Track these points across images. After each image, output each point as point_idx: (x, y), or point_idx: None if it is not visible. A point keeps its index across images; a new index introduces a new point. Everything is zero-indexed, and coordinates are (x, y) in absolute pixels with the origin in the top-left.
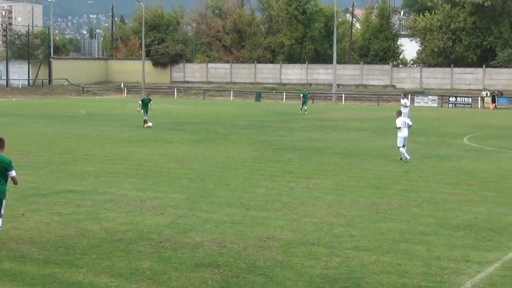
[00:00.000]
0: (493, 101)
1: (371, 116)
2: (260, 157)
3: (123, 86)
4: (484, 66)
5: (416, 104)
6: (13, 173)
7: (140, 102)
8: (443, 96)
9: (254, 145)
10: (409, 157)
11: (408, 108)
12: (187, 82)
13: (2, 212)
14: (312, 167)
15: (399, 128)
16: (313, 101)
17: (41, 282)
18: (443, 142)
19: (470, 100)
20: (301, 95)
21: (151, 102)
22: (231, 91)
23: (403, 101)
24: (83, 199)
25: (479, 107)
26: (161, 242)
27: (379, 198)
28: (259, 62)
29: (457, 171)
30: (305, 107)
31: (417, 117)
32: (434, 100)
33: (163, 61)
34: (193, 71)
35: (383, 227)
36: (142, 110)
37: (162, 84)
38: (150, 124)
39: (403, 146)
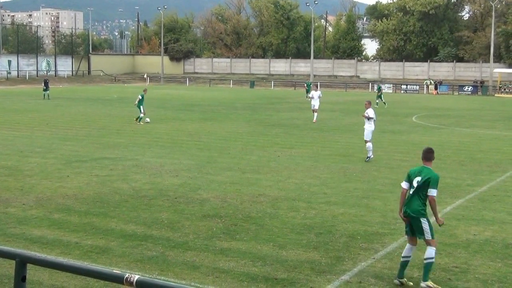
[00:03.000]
0: (436, 88)
1: (340, 100)
2: (253, 131)
3: (146, 76)
4: (428, 61)
5: (375, 90)
6: (433, 192)
7: (140, 97)
8: (396, 84)
9: (249, 122)
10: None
11: None
12: (197, 73)
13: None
14: (294, 140)
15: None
16: (294, 88)
17: (82, 229)
18: (397, 120)
19: (417, 87)
20: (305, 84)
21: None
22: (231, 80)
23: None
24: (115, 164)
25: (425, 93)
26: (176, 198)
27: (347, 163)
28: (253, 57)
29: (407, 143)
30: (309, 94)
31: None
32: (390, 87)
33: (178, 56)
34: (201, 64)
35: (349, 186)
36: (138, 106)
37: (177, 74)
38: (147, 119)
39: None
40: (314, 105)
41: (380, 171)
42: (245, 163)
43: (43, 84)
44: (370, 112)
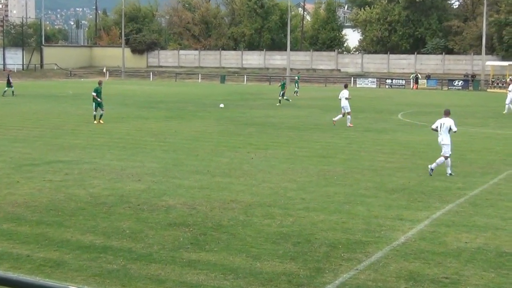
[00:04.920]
0: (416, 81)
1: (319, 95)
2: (224, 131)
3: (105, 70)
4: (415, 53)
5: (357, 86)
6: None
7: (94, 93)
8: (380, 78)
9: (219, 120)
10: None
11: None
12: (161, 66)
13: None
14: (269, 140)
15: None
16: (269, 83)
17: (34, 240)
18: (381, 118)
19: (403, 82)
20: (296, 78)
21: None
22: (199, 74)
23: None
24: (71, 168)
25: (411, 87)
26: (139, 205)
27: (326, 165)
28: (223, 49)
29: (393, 143)
30: (296, 89)
31: (358, 96)
32: (373, 81)
33: (140, 48)
34: (166, 57)
35: (329, 191)
36: (93, 103)
37: (140, 68)
38: (103, 111)
39: None
40: (347, 107)
41: (363, 174)
42: (215, 166)
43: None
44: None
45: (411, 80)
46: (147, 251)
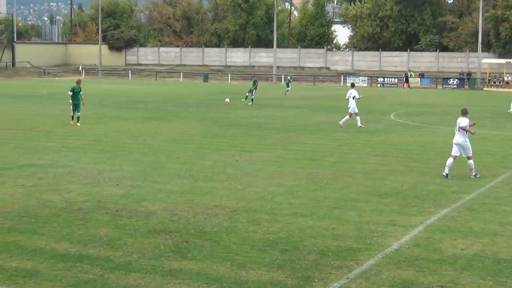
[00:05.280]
0: (406, 80)
1: (308, 95)
2: (207, 132)
3: (81, 68)
4: (408, 50)
5: (348, 84)
6: None
7: (70, 93)
8: (372, 76)
9: (202, 121)
10: None
11: None
12: (141, 64)
13: None
14: (254, 142)
15: None
16: None
17: (6, 249)
18: (372, 118)
19: (396, 80)
20: (288, 77)
21: (81, 92)
22: (181, 73)
23: None
24: (45, 172)
25: (404, 86)
26: (117, 211)
27: (315, 169)
28: (206, 46)
29: (385, 144)
30: (287, 88)
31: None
32: (364, 80)
33: (118, 45)
34: (146, 55)
35: (319, 195)
36: (72, 105)
37: (118, 66)
38: (79, 113)
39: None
40: (354, 107)
41: (354, 177)
42: (197, 169)
43: None
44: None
45: (404, 78)
46: (126, 260)
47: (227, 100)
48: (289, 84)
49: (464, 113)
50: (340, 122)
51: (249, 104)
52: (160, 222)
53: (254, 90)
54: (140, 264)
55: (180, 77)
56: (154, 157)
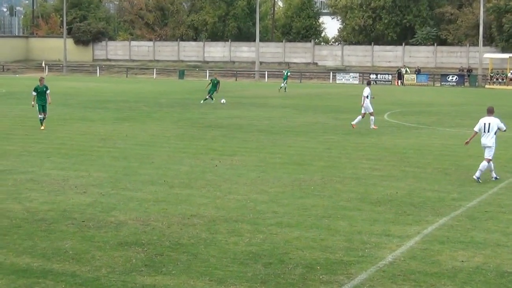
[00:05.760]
0: (399, 77)
1: (294, 93)
2: (184, 135)
3: (44, 64)
4: (403, 44)
5: (337, 82)
6: None
7: (34, 93)
8: (364, 73)
9: (178, 123)
10: None
11: None
12: (110, 60)
13: None
14: (236, 145)
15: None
16: (236, 79)
17: None
18: (364, 119)
19: (390, 77)
20: (285, 72)
21: (48, 91)
22: (154, 69)
23: None
24: (3, 179)
25: (398, 84)
26: (84, 221)
27: (302, 174)
28: (182, 40)
29: (378, 147)
30: (284, 85)
31: (338, 94)
32: (355, 77)
33: (85, 38)
34: (115, 49)
35: (306, 203)
36: (37, 105)
37: (85, 62)
38: (44, 115)
39: None
40: (368, 107)
41: (345, 184)
42: (173, 175)
43: None
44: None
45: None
46: (94, 275)
47: (223, 101)
48: (286, 81)
49: (491, 111)
50: (353, 123)
51: (203, 103)
52: (132, 234)
53: (215, 92)
54: (109, 280)
55: (153, 73)
56: (125, 162)
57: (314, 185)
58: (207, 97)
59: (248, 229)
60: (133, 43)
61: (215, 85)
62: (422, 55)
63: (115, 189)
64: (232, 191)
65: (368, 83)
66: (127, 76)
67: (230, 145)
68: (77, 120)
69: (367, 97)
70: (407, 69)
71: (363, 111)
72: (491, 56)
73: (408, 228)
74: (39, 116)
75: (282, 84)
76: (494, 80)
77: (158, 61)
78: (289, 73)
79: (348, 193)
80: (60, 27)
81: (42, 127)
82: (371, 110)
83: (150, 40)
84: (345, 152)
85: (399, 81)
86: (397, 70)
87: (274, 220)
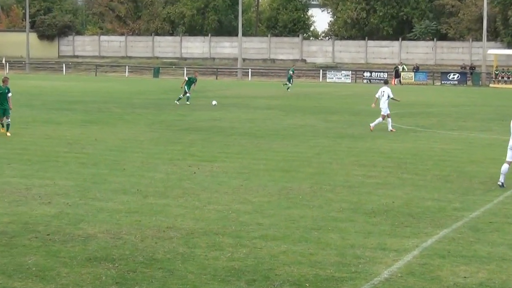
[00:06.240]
0: (397, 75)
1: (280, 93)
2: (159, 138)
3: (5, 61)
4: (400, 39)
5: (328, 80)
6: None
7: None
8: (357, 71)
9: (152, 125)
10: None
11: None
12: (77, 56)
13: None
14: (216, 149)
15: None
16: (216, 77)
17: None
18: (357, 121)
19: (386, 75)
20: (290, 71)
21: (10, 94)
22: (126, 67)
23: None
24: None
25: (394, 83)
26: (48, 234)
27: (289, 182)
28: (157, 34)
29: (373, 152)
30: (289, 84)
31: (329, 93)
32: (348, 75)
33: (50, 33)
34: (83, 45)
35: (293, 214)
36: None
37: (49, 58)
38: (8, 120)
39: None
40: (386, 108)
41: (336, 192)
42: (147, 183)
43: None
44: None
45: (395, 73)
46: None
47: (214, 102)
48: (291, 79)
49: None
50: (371, 125)
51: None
52: (102, 248)
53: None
54: None
55: (125, 71)
56: (94, 169)
57: (303, 194)
58: (182, 95)
59: (229, 243)
60: (103, 38)
61: (192, 82)
62: (420, 51)
63: (83, 199)
64: (212, 200)
65: (385, 82)
66: (96, 74)
67: (210, 150)
68: (41, 123)
69: (388, 97)
70: (404, 66)
71: (382, 112)
72: (496, 52)
73: (405, 241)
74: (0, 121)
75: (289, 84)
76: (499, 78)
77: (130, 57)
78: (292, 72)
79: (339, 202)
80: (23, 20)
81: (8, 133)
82: (388, 112)
83: (122, 34)
84: (336, 158)
85: (396, 79)
86: (395, 68)
87: (259, 233)
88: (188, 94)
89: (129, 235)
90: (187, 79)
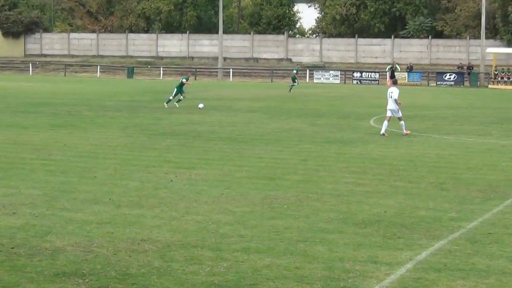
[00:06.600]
0: (392, 76)
1: (264, 94)
2: (133, 144)
3: None
4: (392, 37)
5: (315, 81)
6: None
7: None
8: (346, 71)
9: (126, 130)
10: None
11: None
12: (45, 55)
13: None
14: (195, 156)
15: None
16: (195, 78)
17: None
18: (347, 125)
19: (377, 75)
20: (294, 71)
21: None
22: (98, 66)
23: None
24: None
25: (387, 83)
26: (13, 248)
27: (274, 190)
28: (131, 31)
29: (363, 158)
30: (294, 84)
31: (317, 95)
32: (336, 75)
33: (16, 30)
34: (52, 43)
35: (278, 225)
36: None
37: (15, 57)
38: None
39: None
40: (395, 110)
41: (324, 201)
42: (120, 192)
43: None
44: None
45: (387, 73)
46: None
47: (201, 105)
48: (296, 79)
49: None
50: (383, 130)
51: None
52: (71, 262)
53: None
54: None
55: (97, 71)
56: (62, 177)
57: (288, 203)
58: (172, 97)
59: (209, 256)
60: (73, 35)
61: (183, 84)
62: (414, 49)
63: (51, 209)
64: (191, 211)
65: (395, 82)
66: (65, 75)
67: (188, 156)
68: (6, 127)
69: (394, 99)
70: (397, 66)
71: (389, 114)
72: (495, 50)
73: (398, 254)
74: None
75: (295, 84)
76: (499, 78)
77: (102, 56)
78: (296, 71)
79: (327, 212)
80: None
81: None
82: (400, 114)
83: (93, 32)
84: (324, 164)
85: (391, 80)
86: (390, 67)
87: (240, 245)
88: (181, 97)
89: (101, 248)
90: (185, 80)
